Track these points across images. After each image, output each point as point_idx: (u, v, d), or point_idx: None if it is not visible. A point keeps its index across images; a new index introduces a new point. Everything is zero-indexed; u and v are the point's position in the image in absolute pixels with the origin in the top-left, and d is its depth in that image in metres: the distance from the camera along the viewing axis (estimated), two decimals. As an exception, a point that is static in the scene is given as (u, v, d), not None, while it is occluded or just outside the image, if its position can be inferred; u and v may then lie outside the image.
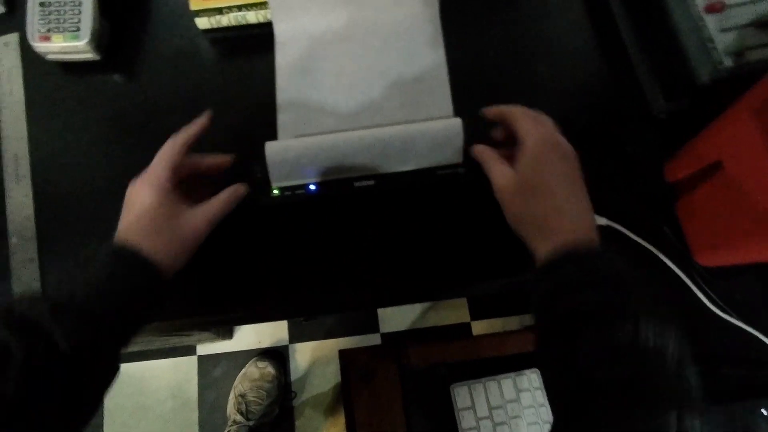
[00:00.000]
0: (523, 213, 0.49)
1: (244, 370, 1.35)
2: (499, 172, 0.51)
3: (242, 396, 1.29)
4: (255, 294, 0.58)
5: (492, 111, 0.55)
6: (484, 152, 0.54)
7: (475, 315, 1.41)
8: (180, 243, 0.50)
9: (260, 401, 1.29)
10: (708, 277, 0.57)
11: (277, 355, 1.40)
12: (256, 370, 1.33)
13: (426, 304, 1.41)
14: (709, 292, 0.57)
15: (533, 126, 0.50)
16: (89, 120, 0.64)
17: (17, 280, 0.59)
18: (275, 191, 0.58)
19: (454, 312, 1.41)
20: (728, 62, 0.55)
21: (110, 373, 0.46)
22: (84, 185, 0.62)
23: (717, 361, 0.59)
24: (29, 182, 0.62)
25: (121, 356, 0.47)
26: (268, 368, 1.33)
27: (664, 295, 0.44)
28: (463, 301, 1.41)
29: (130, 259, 0.46)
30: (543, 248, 0.46)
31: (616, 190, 0.60)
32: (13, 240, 0.60)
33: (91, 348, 0.43)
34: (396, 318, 1.40)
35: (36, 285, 0.59)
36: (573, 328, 0.41)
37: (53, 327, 0.41)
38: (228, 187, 0.54)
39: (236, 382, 1.34)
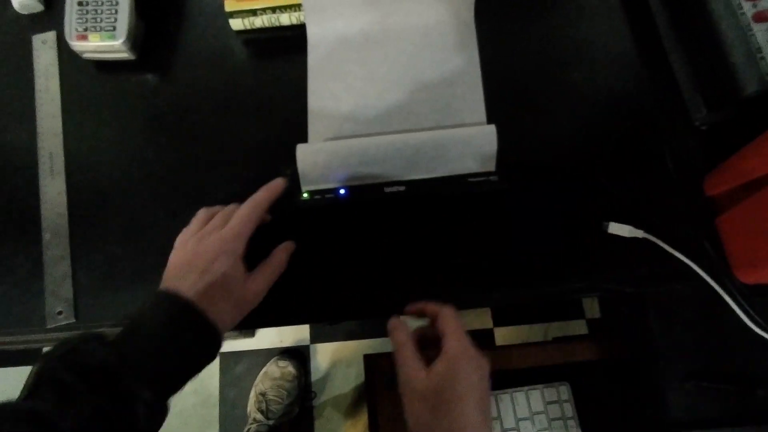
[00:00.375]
0: (425, 423, 0.46)
1: (264, 369, 1.36)
2: (412, 364, 0.48)
3: (263, 395, 1.30)
4: (281, 299, 0.58)
5: (417, 306, 0.54)
6: (398, 333, 0.51)
7: (498, 321, 1.39)
8: (243, 308, 0.52)
9: (280, 400, 1.29)
10: (748, 295, 0.56)
11: (297, 355, 1.40)
12: (277, 369, 1.33)
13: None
14: (749, 309, 0.55)
15: (457, 334, 0.48)
16: (123, 118, 0.64)
17: (49, 276, 0.59)
18: (305, 194, 0.57)
19: (477, 318, 1.39)
20: (777, 73, 0.53)
21: (163, 419, 0.47)
22: (117, 183, 0.62)
23: (753, 381, 0.57)
24: (63, 179, 0.62)
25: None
26: (289, 367, 1.33)
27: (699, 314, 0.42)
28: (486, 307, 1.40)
29: (199, 324, 0.47)
30: None
31: (655, 202, 0.58)
32: (47, 236, 0.61)
33: (147, 400, 0.43)
34: (418, 322, 1.39)
35: (68, 282, 0.59)
36: None
37: (123, 382, 0.42)
38: (279, 247, 0.56)
39: (257, 381, 1.35)
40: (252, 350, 1.41)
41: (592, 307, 1.29)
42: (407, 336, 0.51)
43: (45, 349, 0.46)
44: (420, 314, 0.54)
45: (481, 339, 1.37)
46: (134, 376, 0.43)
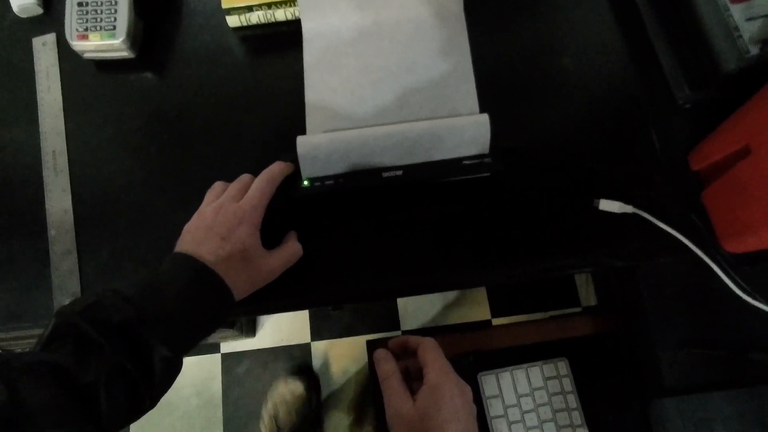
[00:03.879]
0: None
1: (273, 390, 1.33)
2: (397, 398, 0.50)
3: (274, 417, 1.29)
4: (284, 284, 0.59)
5: (399, 340, 0.56)
6: (384, 364, 0.53)
7: (496, 312, 1.41)
8: (256, 281, 0.54)
9: (291, 420, 1.28)
10: (735, 264, 0.58)
11: (306, 371, 1.39)
12: (287, 390, 1.31)
13: (446, 301, 1.41)
14: (737, 278, 0.57)
15: (438, 365, 0.50)
16: (124, 116, 0.66)
17: (56, 271, 0.61)
18: (305, 182, 0.59)
19: (474, 309, 1.41)
20: (754, 51, 0.55)
21: (176, 375, 0.49)
22: (120, 179, 0.64)
23: (745, 346, 0.60)
24: (67, 176, 0.64)
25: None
26: (299, 388, 1.31)
27: (689, 285, 0.44)
28: (484, 298, 1.41)
29: (217, 288, 0.49)
30: None
31: (643, 179, 0.60)
32: (52, 232, 0.62)
33: (166, 354, 0.45)
34: (416, 315, 1.41)
35: (75, 276, 0.61)
36: None
37: (141, 337, 0.44)
38: (291, 233, 0.59)
39: (268, 403, 1.33)
40: (253, 350, 1.42)
41: (587, 295, 1.31)
42: (393, 367, 0.53)
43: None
44: (402, 348, 0.55)
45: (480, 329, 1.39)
46: (153, 333, 0.44)
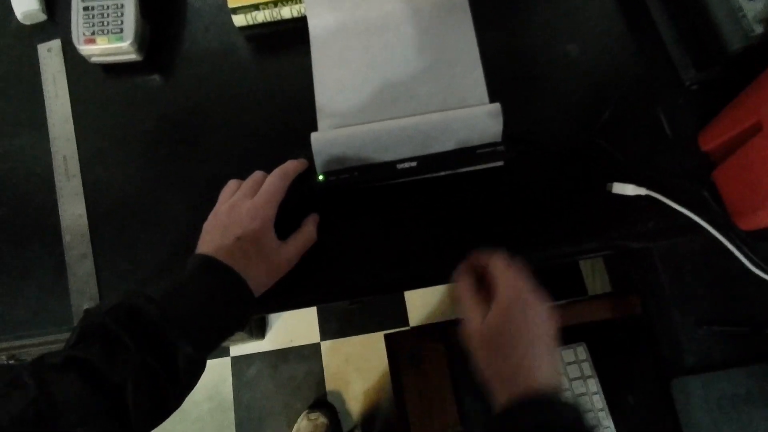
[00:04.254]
0: (484, 365, 0.50)
1: (296, 426, 1.33)
2: (470, 313, 0.51)
3: None
4: (300, 280, 0.59)
5: (469, 261, 0.55)
6: (462, 281, 0.54)
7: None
8: (275, 273, 0.55)
9: None
10: (749, 241, 0.58)
11: (326, 404, 1.38)
12: (309, 423, 1.31)
13: (453, 294, 1.41)
14: (751, 255, 0.58)
15: (507, 280, 0.50)
16: (133, 119, 0.66)
17: (73, 276, 0.61)
18: (321, 177, 0.59)
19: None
20: (758, 29, 0.56)
21: (200, 374, 0.49)
22: (133, 180, 0.64)
23: (763, 322, 0.60)
24: (79, 181, 0.64)
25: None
26: (321, 419, 1.32)
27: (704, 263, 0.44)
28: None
29: (236, 285, 0.50)
30: (500, 397, 0.47)
31: (654, 161, 0.61)
32: (67, 238, 0.62)
33: (190, 354, 0.46)
34: (425, 312, 1.42)
35: (92, 280, 0.61)
36: None
37: (166, 336, 0.44)
38: (308, 219, 0.59)
39: None
40: (263, 352, 1.42)
41: (593, 284, 1.32)
42: (466, 284, 0.53)
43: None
44: (479, 264, 0.54)
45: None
46: (177, 332, 0.45)
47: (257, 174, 0.58)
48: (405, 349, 0.70)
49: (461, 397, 0.69)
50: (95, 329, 0.44)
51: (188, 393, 0.49)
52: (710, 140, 0.60)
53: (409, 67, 0.65)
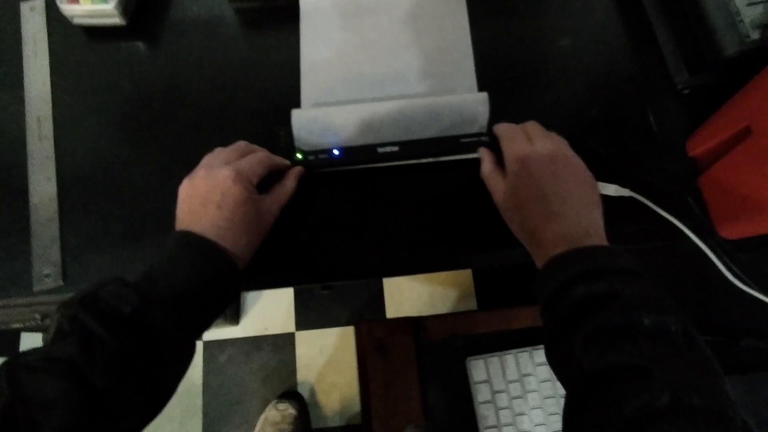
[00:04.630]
0: (515, 228, 0.52)
1: (264, 415, 1.32)
2: (495, 187, 0.54)
3: None
4: (270, 259, 0.58)
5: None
6: (485, 163, 0.56)
7: (483, 305, 1.40)
8: (260, 235, 0.53)
9: None
10: (730, 250, 0.57)
11: (295, 395, 1.37)
12: (277, 413, 1.30)
13: (433, 293, 1.40)
14: (731, 265, 0.57)
15: (509, 145, 0.53)
16: (113, 85, 0.64)
17: (37, 239, 0.59)
18: (299, 155, 0.58)
19: (461, 302, 1.40)
20: (755, 35, 0.55)
21: (190, 356, 0.48)
22: (107, 147, 0.62)
23: (738, 333, 0.59)
24: (52, 143, 0.62)
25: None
26: (289, 410, 1.30)
27: (683, 270, 0.43)
28: (471, 290, 1.40)
29: (218, 260, 0.48)
30: (542, 255, 0.48)
31: (641, 163, 0.60)
32: (34, 200, 0.60)
33: (174, 338, 0.44)
34: (402, 305, 1.40)
35: (56, 245, 0.59)
36: (572, 324, 0.42)
37: (144, 321, 0.42)
38: (290, 172, 0.57)
39: (258, 428, 1.31)
40: (236, 338, 1.40)
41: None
42: (491, 165, 0.55)
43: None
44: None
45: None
46: (159, 317, 0.43)
47: (241, 143, 0.56)
48: (373, 340, 0.69)
49: (427, 391, 0.67)
50: (71, 323, 0.41)
51: (181, 377, 0.47)
52: (698, 145, 0.59)
53: (399, 51, 0.64)
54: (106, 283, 0.43)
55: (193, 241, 0.48)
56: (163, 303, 0.44)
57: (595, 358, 0.39)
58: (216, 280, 0.48)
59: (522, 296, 1.34)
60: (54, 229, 0.59)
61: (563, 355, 0.43)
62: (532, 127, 0.54)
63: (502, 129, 0.55)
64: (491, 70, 0.63)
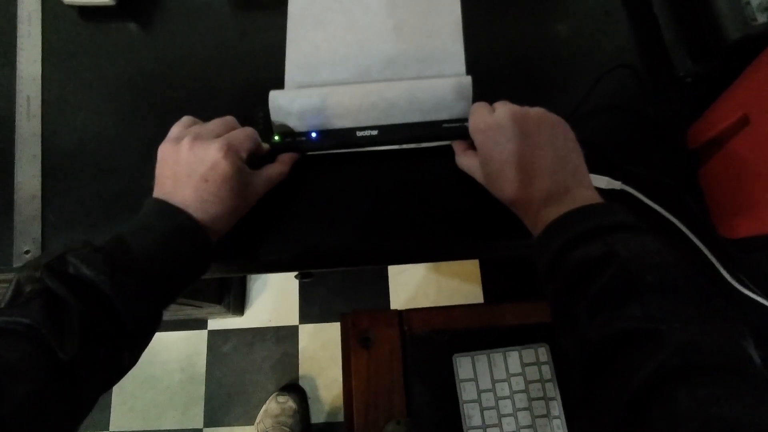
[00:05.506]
0: (503, 198, 0.50)
1: (264, 407, 1.32)
2: (473, 170, 0.53)
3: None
4: (258, 244, 0.57)
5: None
6: (456, 151, 0.56)
7: (490, 299, 1.36)
8: (241, 212, 0.52)
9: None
10: (730, 250, 0.54)
11: (296, 388, 1.37)
12: (277, 406, 1.30)
13: (440, 288, 1.38)
14: (729, 264, 0.54)
15: (471, 121, 0.51)
16: (102, 65, 0.64)
17: (19, 216, 0.59)
18: (276, 137, 0.56)
19: (469, 297, 1.37)
20: (762, 18, 0.51)
21: (155, 328, 0.47)
22: (93, 127, 0.62)
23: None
24: (39, 122, 0.62)
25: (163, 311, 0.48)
26: (289, 402, 1.30)
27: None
28: (479, 285, 1.37)
29: (193, 236, 0.47)
30: (533, 221, 0.46)
31: (637, 154, 0.57)
32: (19, 178, 0.60)
33: (143, 309, 0.43)
34: (408, 300, 1.38)
35: (37, 222, 0.59)
36: (573, 292, 0.39)
37: (113, 289, 0.41)
38: (284, 155, 0.56)
39: (258, 420, 1.32)
40: (241, 329, 1.40)
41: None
42: (462, 147, 0.55)
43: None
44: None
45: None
46: (127, 285, 0.42)
47: (229, 117, 0.54)
48: (357, 331, 0.67)
49: (411, 385, 0.65)
50: (33, 285, 0.40)
51: (144, 348, 0.46)
52: (698, 137, 0.55)
53: (388, 34, 0.62)
54: (74, 247, 0.42)
55: (169, 213, 0.47)
56: (133, 272, 0.43)
57: (600, 326, 0.36)
58: (188, 255, 0.47)
59: (530, 290, 1.32)
60: (36, 207, 0.59)
61: (569, 326, 0.40)
62: (499, 102, 0.52)
63: (473, 110, 0.52)
64: (482, 56, 0.61)
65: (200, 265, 0.49)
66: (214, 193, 0.48)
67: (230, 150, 0.48)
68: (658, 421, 0.31)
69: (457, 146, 0.55)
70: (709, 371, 0.31)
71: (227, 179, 0.48)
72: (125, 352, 0.43)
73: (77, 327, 0.39)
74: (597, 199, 0.45)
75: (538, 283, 0.46)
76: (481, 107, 0.52)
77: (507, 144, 0.47)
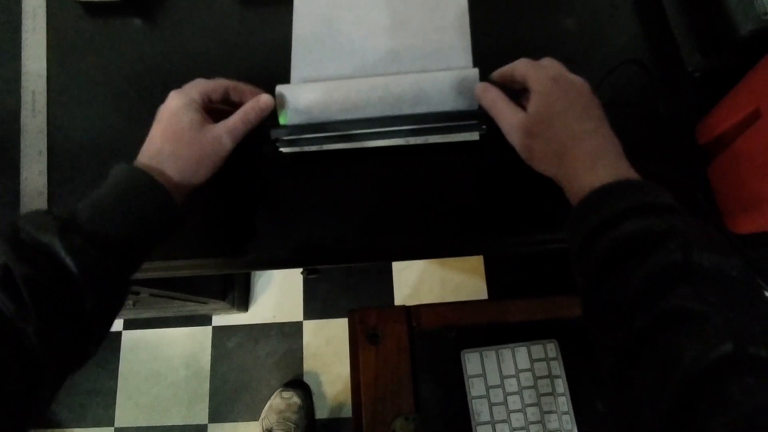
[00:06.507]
0: (538, 148, 0.47)
1: (269, 402, 1.32)
2: (508, 111, 0.49)
3: (269, 430, 1.26)
4: (262, 241, 0.58)
5: (497, 74, 0.53)
6: (488, 91, 0.51)
7: (494, 294, 1.36)
8: (198, 156, 0.49)
9: (288, 428, 1.26)
10: (739, 246, 0.54)
11: (301, 384, 1.36)
12: (282, 402, 1.30)
13: (444, 285, 1.37)
14: (740, 260, 0.53)
15: (536, 70, 0.49)
16: (106, 61, 0.64)
17: (24, 211, 0.59)
18: (281, 119, 0.56)
19: (474, 295, 1.37)
20: (773, 12, 0.51)
21: (119, 295, 0.46)
22: (98, 123, 0.62)
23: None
24: (44, 118, 0.62)
25: (131, 279, 0.47)
26: (294, 398, 1.30)
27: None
28: (482, 280, 1.37)
29: (139, 179, 0.46)
30: (573, 179, 0.44)
31: (646, 150, 0.56)
32: (24, 174, 0.60)
33: (98, 268, 0.42)
34: (412, 296, 1.38)
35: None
36: (618, 264, 0.38)
37: (60, 247, 0.40)
38: (253, 99, 0.54)
39: (263, 415, 1.31)
40: (245, 325, 1.40)
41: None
42: (497, 92, 0.51)
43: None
44: (504, 80, 0.53)
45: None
46: (78, 244, 0.40)
47: (221, 80, 0.55)
48: (365, 327, 0.67)
49: (419, 381, 0.65)
50: None
51: (109, 321, 0.45)
52: (707, 132, 0.55)
53: (395, 30, 0.62)
54: (27, 213, 0.42)
55: (119, 168, 0.46)
56: (84, 231, 0.42)
57: (649, 304, 0.35)
58: (140, 207, 0.45)
59: (535, 285, 1.32)
60: (42, 203, 0.59)
61: (607, 301, 0.39)
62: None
63: (518, 62, 0.51)
64: (489, 51, 0.60)
65: (156, 219, 0.47)
66: (161, 136, 0.49)
67: (182, 91, 0.51)
68: (705, 407, 0.30)
69: (491, 91, 0.52)
70: (758, 362, 0.31)
71: (173, 114, 0.49)
72: (88, 323, 0.42)
73: (32, 293, 0.38)
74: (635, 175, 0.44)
75: (570, 249, 0.44)
76: (533, 62, 0.51)
77: (572, 99, 0.47)
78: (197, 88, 0.51)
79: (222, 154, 0.51)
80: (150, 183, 0.46)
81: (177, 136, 0.48)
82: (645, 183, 0.42)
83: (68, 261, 0.40)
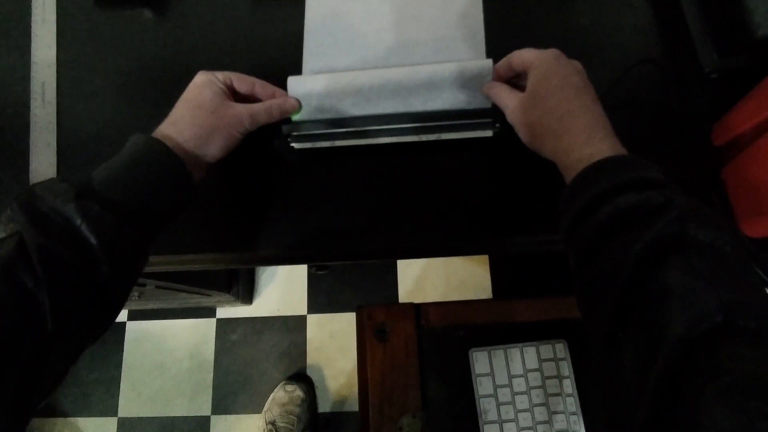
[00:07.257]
0: (536, 123, 0.48)
1: (272, 395, 1.32)
2: (508, 96, 0.51)
3: (272, 423, 1.26)
4: (267, 237, 0.57)
5: (502, 65, 0.53)
6: (493, 87, 0.53)
7: (499, 292, 1.36)
8: (216, 125, 0.50)
9: (291, 427, 1.25)
10: (754, 250, 0.53)
11: (304, 378, 1.36)
12: (285, 395, 1.30)
13: (447, 278, 1.37)
14: (753, 264, 0.53)
15: (535, 51, 0.50)
16: (116, 52, 0.64)
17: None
18: (293, 116, 0.56)
19: (478, 292, 1.36)
20: (793, 14, 0.50)
21: (136, 265, 0.46)
22: (107, 114, 0.62)
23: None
24: (54, 109, 0.62)
25: (147, 249, 0.47)
26: (297, 391, 1.30)
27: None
28: (487, 277, 1.37)
29: (155, 147, 0.46)
30: (572, 158, 0.44)
31: (660, 150, 0.56)
32: (34, 165, 0.60)
33: (114, 235, 0.41)
34: (416, 292, 1.37)
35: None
36: (616, 231, 0.38)
37: (76, 213, 0.40)
38: (280, 95, 0.56)
39: (266, 408, 1.31)
40: (249, 317, 1.40)
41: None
42: (500, 84, 0.53)
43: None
44: (511, 67, 0.53)
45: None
46: (95, 209, 0.40)
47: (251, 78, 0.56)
48: (373, 324, 0.67)
49: (426, 379, 0.65)
50: (7, 224, 0.40)
51: (125, 292, 0.45)
52: (724, 134, 0.54)
53: (408, 25, 0.61)
54: (43, 181, 0.42)
55: (135, 138, 0.47)
56: (100, 198, 0.42)
57: (643, 274, 0.35)
58: (156, 176, 0.46)
59: (541, 284, 1.32)
60: (52, 194, 0.59)
61: (601, 272, 0.39)
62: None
63: (519, 50, 0.52)
64: (503, 48, 0.59)
65: (170, 187, 0.47)
66: (188, 105, 0.50)
67: (209, 72, 0.53)
68: (696, 375, 0.31)
69: (493, 83, 0.54)
70: (749, 332, 0.31)
71: (198, 86, 0.51)
72: (102, 290, 0.41)
73: (45, 259, 0.38)
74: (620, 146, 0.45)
75: (560, 224, 0.45)
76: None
77: (568, 77, 0.47)
78: (225, 72, 0.53)
79: (239, 130, 0.52)
80: (165, 151, 0.46)
81: (198, 103, 0.50)
82: (642, 159, 0.42)
83: (84, 227, 0.40)
